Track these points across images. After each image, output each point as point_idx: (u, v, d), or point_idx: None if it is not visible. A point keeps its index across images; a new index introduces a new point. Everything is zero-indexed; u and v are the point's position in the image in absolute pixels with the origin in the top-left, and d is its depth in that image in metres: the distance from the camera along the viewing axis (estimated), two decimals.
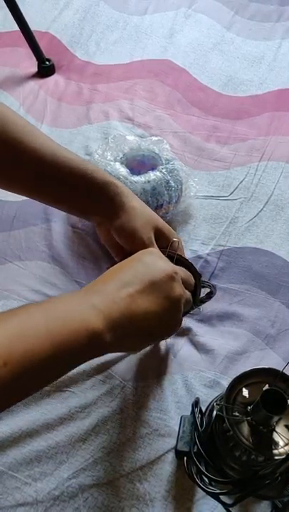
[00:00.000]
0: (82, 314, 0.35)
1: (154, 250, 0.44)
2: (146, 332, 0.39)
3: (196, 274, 0.50)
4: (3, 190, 0.71)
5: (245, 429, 0.45)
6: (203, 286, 0.52)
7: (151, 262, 0.41)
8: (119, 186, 0.48)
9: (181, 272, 0.45)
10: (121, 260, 0.51)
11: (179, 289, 0.41)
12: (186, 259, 0.50)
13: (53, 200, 0.48)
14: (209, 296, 0.56)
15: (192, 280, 0.48)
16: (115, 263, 0.52)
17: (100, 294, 0.38)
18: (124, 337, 0.37)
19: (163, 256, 0.44)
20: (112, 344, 0.36)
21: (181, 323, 0.44)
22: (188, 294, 0.45)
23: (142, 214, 0.48)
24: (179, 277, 0.42)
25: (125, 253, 0.50)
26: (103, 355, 0.38)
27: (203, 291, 0.54)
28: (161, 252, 0.49)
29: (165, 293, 0.40)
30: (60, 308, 0.35)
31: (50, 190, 0.47)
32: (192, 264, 0.50)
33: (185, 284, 0.45)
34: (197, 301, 0.51)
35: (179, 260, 0.50)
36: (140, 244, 0.47)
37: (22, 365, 0.30)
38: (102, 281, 0.40)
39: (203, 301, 0.55)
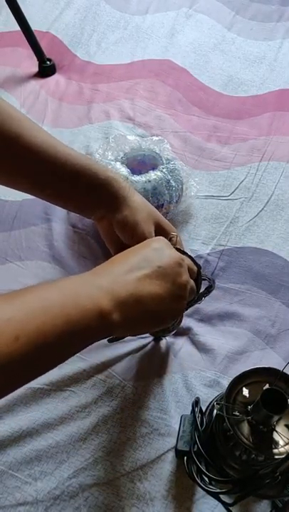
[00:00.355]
0: (91, 293, 0.36)
1: (163, 238, 0.45)
2: (152, 315, 0.40)
3: (197, 266, 0.50)
4: (4, 190, 0.72)
5: (246, 428, 0.45)
6: (203, 279, 0.53)
7: (160, 248, 0.42)
8: (121, 181, 0.48)
9: (188, 261, 0.46)
10: None
11: (185, 276, 0.42)
12: (186, 253, 0.51)
13: (53, 196, 0.48)
14: (208, 290, 0.56)
15: (194, 268, 0.49)
16: None
17: (108, 276, 0.38)
18: (132, 318, 0.38)
19: (170, 245, 0.45)
20: (120, 324, 0.37)
21: (184, 311, 0.45)
22: (192, 282, 0.46)
23: (143, 208, 0.48)
24: (185, 264, 0.43)
25: (125, 248, 0.50)
26: (111, 335, 0.39)
27: (203, 286, 0.54)
28: None
29: (172, 278, 0.41)
30: (71, 287, 0.36)
31: (51, 186, 0.47)
32: (191, 257, 0.51)
33: (189, 271, 0.46)
34: (198, 292, 0.52)
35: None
36: (141, 238, 0.47)
37: (34, 341, 0.31)
38: (110, 263, 0.41)
39: (203, 295, 0.55)
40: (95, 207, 0.48)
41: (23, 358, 0.30)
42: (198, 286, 0.51)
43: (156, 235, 0.49)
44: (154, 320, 0.41)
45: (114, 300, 0.37)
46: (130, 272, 0.39)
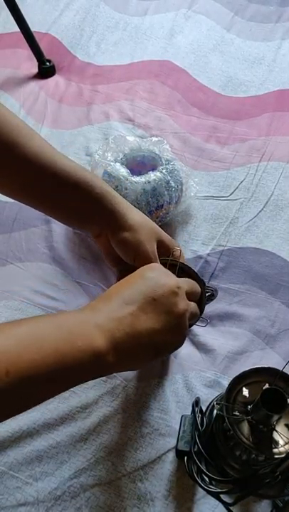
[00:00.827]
0: (87, 333, 0.35)
1: (157, 265, 0.43)
2: (150, 349, 0.39)
3: (201, 283, 0.49)
4: None
5: (246, 428, 0.45)
6: (206, 292, 0.52)
7: (154, 278, 0.41)
8: (118, 197, 0.47)
9: (185, 283, 0.44)
10: (119, 270, 0.50)
11: (182, 304, 0.41)
12: (190, 268, 0.50)
13: (49, 207, 0.47)
14: (210, 298, 0.56)
15: (197, 289, 0.47)
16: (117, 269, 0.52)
17: (104, 312, 0.38)
18: (128, 356, 0.37)
19: (166, 270, 0.43)
20: (116, 364, 0.36)
21: (185, 338, 0.43)
22: (193, 307, 0.44)
23: (145, 227, 0.47)
24: (182, 291, 0.41)
25: (124, 264, 0.49)
26: (106, 375, 0.38)
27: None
28: (164, 260, 0.48)
29: (168, 309, 0.39)
30: (67, 324, 0.36)
31: (46, 197, 0.45)
32: (196, 273, 0.50)
33: (191, 295, 0.44)
34: (203, 309, 0.50)
35: (181, 268, 0.49)
36: (144, 258, 0.46)
37: (25, 376, 0.30)
38: (105, 298, 0.39)
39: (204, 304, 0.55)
40: (90, 221, 0.47)
41: (12, 392, 0.30)
42: (203, 305, 0.49)
43: (158, 252, 0.48)
44: (154, 353, 0.40)
45: (110, 340, 0.36)
46: (125, 306, 0.38)
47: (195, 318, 0.45)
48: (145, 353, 0.39)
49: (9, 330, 0.33)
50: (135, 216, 0.47)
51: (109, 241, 0.48)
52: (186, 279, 0.46)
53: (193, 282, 0.47)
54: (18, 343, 0.32)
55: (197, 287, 0.47)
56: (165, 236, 0.50)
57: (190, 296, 0.44)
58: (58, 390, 0.35)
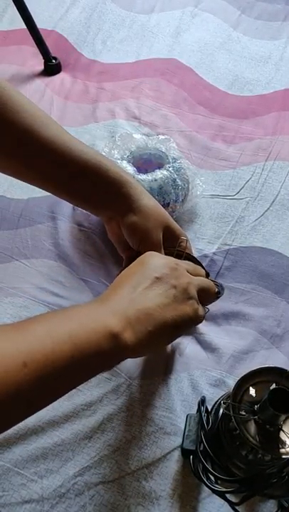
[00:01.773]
0: (99, 317, 0.36)
1: (154, 252, 0.45)
2: (164, 325, 0.39)
3: (205, 273, 0.49)
4: (10, 189, 0.72)
5: (252, 427, 0.45)
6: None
7: (153, 261, 0.42)
8: (133, 182, 0.48)
9: (185, 264, 0.45)
10: (127, 256, 0.51)
11: (184, 278, 0.42)
12: (195, 258, 0.50)
13: (65, 192, 0.48)
14: (217, 296, 0.55)
15: (201, 271, 0.48)
16: (121, 261, 0.52)
17: (113, 299, 0.39)
18: (144, 334, 0.37)
19: (163, 255, 0.45)
20: (133, 343, 0.36)
21: (202, 312, 0.44)
22: (201, 281, 0.45)
23: (154, 213, 0.48)
24: (181, 267, 0.43)
25: (131, 250, 0.49)
26: (126, 358, 0.38)
27: None
28: (170, 250, 0.49)
29: (172, 283, 0.41)
30: (78, 314, 0.36)
31: (63, 182, 0.46)
32: (200, 263, 0.50)
33: (195, 274, 0.45)
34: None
35: (187, 258, 0.50)
36: (149, 244, 0.47)
37: (42, 368, 0.30)
38: (113, 289, 0.40)
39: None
40: (104, 206, 0.48)
41: (31, 386, 0.30)
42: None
43: (165, 240, 0.48)
44: (168, 330, 0.40)
45: (124, 319, 0.36)
46: (133, 290, 0.39)
47: (207, 292, 0.46)
48: (162, 329, 0.39)
49: (23, 327, 0.33)
50: (147, 202, 0.48)
51: (120, 226, 0.48)
52: (188, 261, 0.47)
53: (195, 265, 0.48)
54: (33, 337, 0.32)
55: (200, 269, 0.48)
56: (174, 224, 0.50)
57: (193, 275, 0.45)
58: (79, 378, 0.35)
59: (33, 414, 0.32)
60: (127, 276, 0.41)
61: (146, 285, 0.40)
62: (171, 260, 0.43)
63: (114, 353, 0.36)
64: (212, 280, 0.53)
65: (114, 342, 0.35)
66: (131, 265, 0.43)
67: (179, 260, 0.44)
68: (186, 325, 0.42)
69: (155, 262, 0.42)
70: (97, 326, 0.34)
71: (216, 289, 0.55)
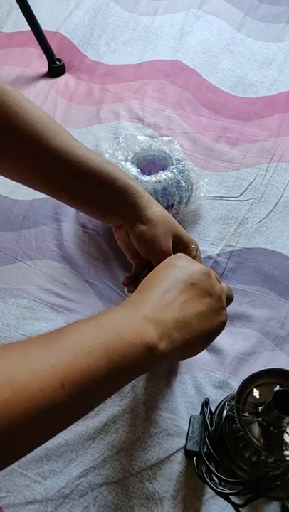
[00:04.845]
0: (136, 326, 0.35)
1: (183, 254, 0.44)
2: (199, 334, 0.38)
3: None
4: (14, 190, 0.72)
5: (256, 429, 0.45)
6: None
7: (186, 265, 0.41)
8: (141, 191, 0.47)
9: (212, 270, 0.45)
10: (137, 263, 0.50)
11: (218, 285, 0.42)
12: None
13: (73, 199, 0.48)
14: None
15: (219, 278, 0.48)
16: (126, 262, 0.52)
17: (147, 303, 0.37)
18: (179, 343, 0.37)
19: (191, 258, 0.44)
20: (168, 353, 0.36)
21: (227, 320, 0.43)
22: (226, 287, 0.45)
23: (162, 222, 0.47)
24: (213, 273, 0.42)
25: (141, 257, 0.49)
26: (161, 364, 0.38)
27: None
28: None
29: (208, 291, 0.40)
30: (113, 323, 0.35)
31: (70, 190, 0.46)
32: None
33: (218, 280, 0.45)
34: None
35: None
36: (158, 253, 0.46)
37: (80, 387, 0.30)
38: (143, 290, 0.39)
39: None
40: (112, 214, 0.48)
41: (68, 405, 0.29)
42: None
43: (175, 247, 0.48)
44: (203, 339, 0.40)
45: (161, 329, 0.35)
46: (167, 294, 0.38)
47: (230, 299, 0.45)
48: (197, 338, 0.38)
49: (56, 341, 0.32)
50: (155, 210, 0.48)
51: (128, 234, 0.48)
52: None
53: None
54: (68, 353, 0.30)
55: (218, 277, 0.48)
56: (183, 233, 0.50)
57: None
58: (114, 390, 0.34)
59: (66, 428, 0.31)
60: (157, 278, 0.40)
61: (182, 291, 0.39)
62: (203, 266, 0.42)
63: (150, 364, 0.35)
64: None
65: (151, 353, 0.34)
66: (159, 267, 0.42)
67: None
68: (218, 334, 0.41)
69: (188, 266, 0.41)
70: (133, 338, 0.33)
71: None
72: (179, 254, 0.44)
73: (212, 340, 0.41)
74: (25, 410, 0.27)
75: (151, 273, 0.42)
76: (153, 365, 0.36)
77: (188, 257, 0.43)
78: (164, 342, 0.35)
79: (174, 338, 0.36)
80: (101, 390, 0.32)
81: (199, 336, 0.39)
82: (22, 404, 0.27)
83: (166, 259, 0.43)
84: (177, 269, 0.41)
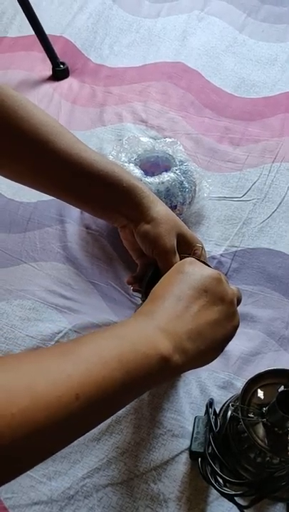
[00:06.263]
0: (150, 338, 0.34)
1: (193, 259, 0.43)
2: (213, 342, 0.38)
3: None
4: (19, 192, 0.72)
5: (261, 430, 0.45)
6: None
7: (196, 271, 0.40)
8: (145, 190, 0.47)
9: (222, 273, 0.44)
10: (142, 263, 0.51)
11: (230, 290, 0.41)
12: (210, 266, 0.50)
13: (78, 200, 0.48)
14: None
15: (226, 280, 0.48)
16: (130, 263, 0.52)
17: (161, 314, 0.37)
18: (196, 353, 0.37)
19: (201, 263, 0.43)
20: (184, 364, 0.36)
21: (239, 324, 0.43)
22: (238, 291, 0.44)
23: (166, 220, 0.47)
24: (224, 278, 0.42)
25: (146, 257, 0.49)
26: (175, 376, 0.37)
27: None
28: (185, 257, 0.48)
29: (221, 297, 0.39)
30: (128, 334, 0.35)
31: (76, 191, 0.47)
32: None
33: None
34: None
35: None
36: (162, 252, 0.46)
37: (94, 397, 0.30)
38: (155, 300, 0.39)
39: None
40: (117, 214, 0.48)
41: (82, 415, 0.29)
42: None
43: (179, 246, 0.48)
44: (216, 347, 0.39)
45: (174, 340, 0.35)
46: (179, 303, 0.37)
47: (240, 302, 0.45)
48: (212, 346, 0.38)
49: (71, 352, 0.32)
50: (159, 209, 0.48)
51: (133, 234, 0.48)
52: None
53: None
54: (83, 364, 0.31)
55: (226, 279, 0.47)
56: (187, 232, 0.50)
57: None
58: (127, 401, 0.34)
59: (78, 438, 0.31)
60: (168, 286, 0.40)
61: (194, 299, 0.38)
62: (214, 271, 0.42)
63: (164, 376, 0.35)
64: None
65: (165, 365, 0.34)
66: (169, 273, 0.42)
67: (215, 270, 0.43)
68: (231, 339, 0.41)
69: (198, 271, 0.40)
70: (148, 349, 0.33)
71: None
72: (188, 259, 0.43)
73: (225, 347, 0.41)
74: (42, 419, 0.27)
75: (161, 280, 0.41)
76: (167, 377, 0.36)
77: (197, 261, 0.43)
78: (178, 354, 0.35)
79: (188, 349, 0.36)
80: (115, 401, 0.32)
81: (213, 344, 0.38)
82: (39, 412, 0.27)
83: (176, 264, 0.42)
84: (187, 275, 0.40)
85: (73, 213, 0.70)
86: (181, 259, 0.47)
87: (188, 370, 0.39)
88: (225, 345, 0.40)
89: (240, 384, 0.56)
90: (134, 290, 0.54)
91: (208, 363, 0.40)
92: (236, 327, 0.41)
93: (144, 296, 0.48)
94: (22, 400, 0.27)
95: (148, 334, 0.35)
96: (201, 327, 0.37)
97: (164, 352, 0.34)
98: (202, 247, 0.50)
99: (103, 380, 0.30)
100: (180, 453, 0.52)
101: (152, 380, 0.34)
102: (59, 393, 0.28)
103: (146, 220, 0.47)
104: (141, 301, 0.51)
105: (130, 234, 0.49)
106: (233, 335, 0.41)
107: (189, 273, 0.40)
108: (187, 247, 0.49)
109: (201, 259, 0.49)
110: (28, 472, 0.51)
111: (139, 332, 0.35)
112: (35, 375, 0.29)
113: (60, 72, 0.88)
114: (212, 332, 0.38)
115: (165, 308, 0.37)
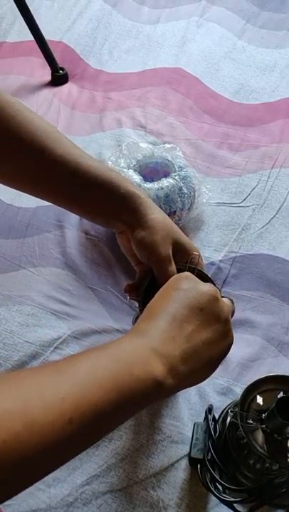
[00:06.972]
0: (144, 359, 0.34)
1: (188, 274, 0.43)
2: (207, 362, 0.38)
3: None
4: (18, 198, 0.72)
5: (260, 436, 0.45)
6: None
7: (192, 288, 0.40)
8: (143, 197, 0.47)
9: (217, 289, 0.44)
10: (140, 269, 0.50)
11: (226, 308, 0.41)
12: (207, 275, 0.49)
13: (76, 206, 0.48)
14: None
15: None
16: (129, 269, 0.52)
17: (155, 334, 0.37)
18: (189, 374, 0.36)
19: (197, 279, 0.42)
20: (176, 386, 0.35)
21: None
22: (231, 305, 0.43)
23: (162, 227, 0.47)
24: (219, 295, 0.41)
25: (144, 264, 0.49)
26: (170, 396, 0.37)
27: None
28: (181, 265, 0.48)
29: (216, 316, 0.39)
30: (123, 355, 0.35)
31: (73, 198, 0.47)
32: (212, 280, 0.49)
33: None
34: None
35: (199, 275, 0.49)
36: (157, 260, 0.46)
37: (88, 420, 0.30)
38: (149, 317, 0.38)
39: None
40: (114, 220, 0.48)
41: (75, 438, 0.29)
42: None
43: (176, 255, 0.48)
44: (211, 365, 0.39)
45: (168, 362, 0.35)
46: (173, 323, 0.37)
47: (233, 314, 0.44)
48: (205, 366, 0.38)
49: (66, 371, 0.32)
50: (156, 216, 0.47)
51: (130, 240, 0.48)
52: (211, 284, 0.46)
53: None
54: (78, 385, 0.30)
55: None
56: (184, 239, 0.49)
57: None
58: (120, 422, 0.34)
59: (71, 459, 0.31)
60: (164, 303, 0.39)
61: (189, 318, 0.38)
62: (211, 287, 0.41)
63: (158, 397, 0.35)
64: (223, 296, 0.52)
65: (159, 388, 0.34)
66: (165, 288, 0.41)
67: (210, 285, 0.42)
68: (226, 356, 0.41)
69: (194, 288, 0.40)
70: (143, 373, 0.33)
71: None
72: (183, 274, 0.42)
73: (219, 364, 0.40)
74: (35, 444, 0.27)
75: (157, 294, 0.41)
76: (160, 398, 0.36)
77: (193, 276, 0.42)
78: (172, 376, 0.35)
79: (181, 370, 0.36)
80: (108, 423, 0.32)
81: (208, 363, 0.38)
82: (32, 437, 0.27)
83: (171, 279, 0.42)
84: (183, 292, 0.39)
85: (72, 219, 0.70)
86: (177, 267, 0.47)
87: (182, 389, 0.39)
88: (219, 363, 0.40)
89: (239, 390, 0.56)
90: (131, 298, 0.53)
91: (202, 381, 0.40)
92: (231, 344, 0.41)
93: (141, 305, 0.48)
94: (15, 424, 0.27)
95: (143, 356, 0.35)
96: (196, 347, 0.37)
97: (158, 376, 0.34)
98: (199, 255, 0.50)
99: (97, 402, 0.30)
100: (179, 459, 0.52)
101: (146, 401, 0.35)
102: (52, 418, 0.28)
103: (143, 226, 0.47)
104: (138, 310, 0.51)
105: (128, 240, 0.49)
106: (228, 352, 0.41)
107: (184, 289, 0.40)
108: (184, 255, 0.49)
109: (198, 267, 0.48)
110: None
111: (134, 354, 0.35)
112: (32, 398, 0.29)
113: (59, 78, 0.88)
114: (207, 351, 0.37)
115: (159, 328, 0.37)
